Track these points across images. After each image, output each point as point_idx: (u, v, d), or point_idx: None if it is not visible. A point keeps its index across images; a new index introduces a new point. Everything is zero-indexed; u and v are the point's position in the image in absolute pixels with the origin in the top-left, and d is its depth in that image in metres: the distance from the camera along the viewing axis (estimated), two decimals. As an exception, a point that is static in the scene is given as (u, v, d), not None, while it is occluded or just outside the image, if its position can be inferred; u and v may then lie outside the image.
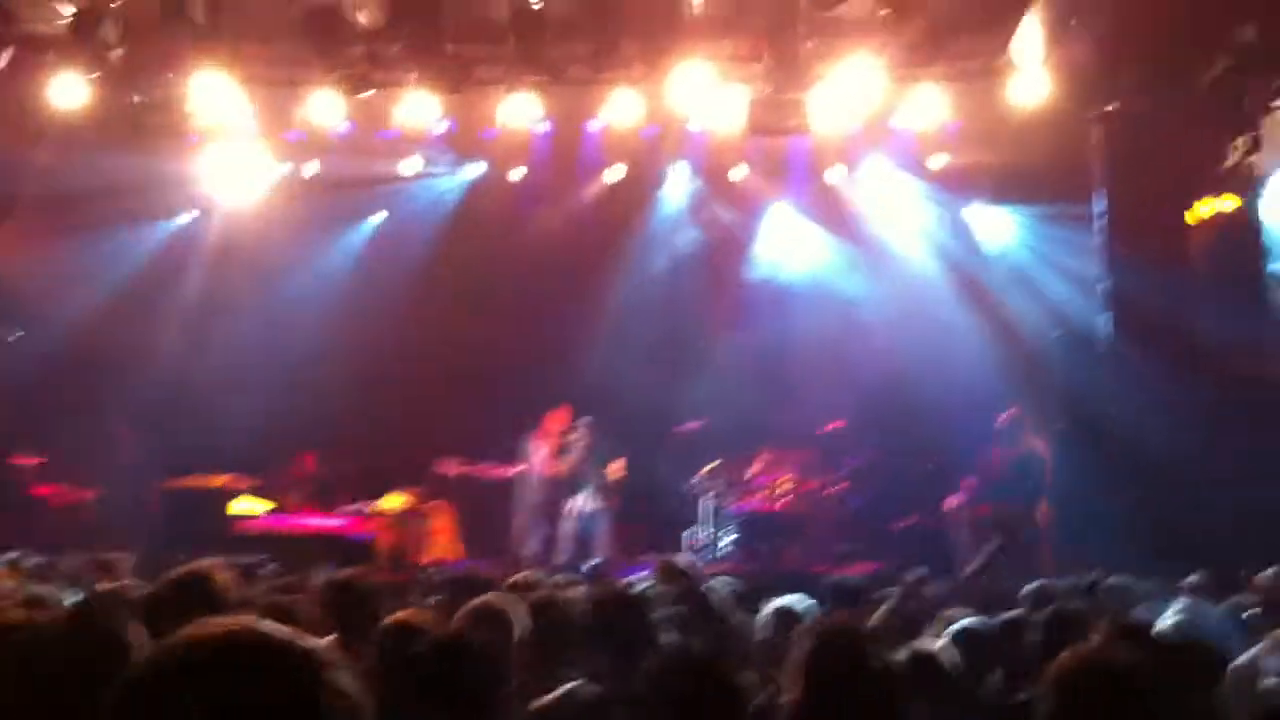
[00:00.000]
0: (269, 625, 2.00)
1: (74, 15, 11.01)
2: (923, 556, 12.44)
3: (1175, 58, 10.83)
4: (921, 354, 14.61)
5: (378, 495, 14.64)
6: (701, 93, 11.75)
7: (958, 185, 14.94)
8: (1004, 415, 13.46)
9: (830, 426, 15.01)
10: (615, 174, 15.53)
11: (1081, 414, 13.14)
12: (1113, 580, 8.23)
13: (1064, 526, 12.54)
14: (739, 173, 15.43)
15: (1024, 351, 14.22)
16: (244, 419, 14.96)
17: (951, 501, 13.73)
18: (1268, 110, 10.94)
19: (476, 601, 5.39)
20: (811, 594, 6.73)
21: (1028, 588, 7.72)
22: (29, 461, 14.01)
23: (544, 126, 13.14)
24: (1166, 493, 11.73)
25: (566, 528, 14.26)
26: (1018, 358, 14.22)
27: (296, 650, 1.96)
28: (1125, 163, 12.05)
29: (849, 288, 15.81)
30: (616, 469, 14.50)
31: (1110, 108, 11.90)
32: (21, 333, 14.58)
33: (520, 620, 5.25)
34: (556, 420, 14.70)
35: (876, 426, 14.85)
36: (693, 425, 15.50)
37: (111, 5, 10.98)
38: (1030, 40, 10.87)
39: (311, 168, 14.85)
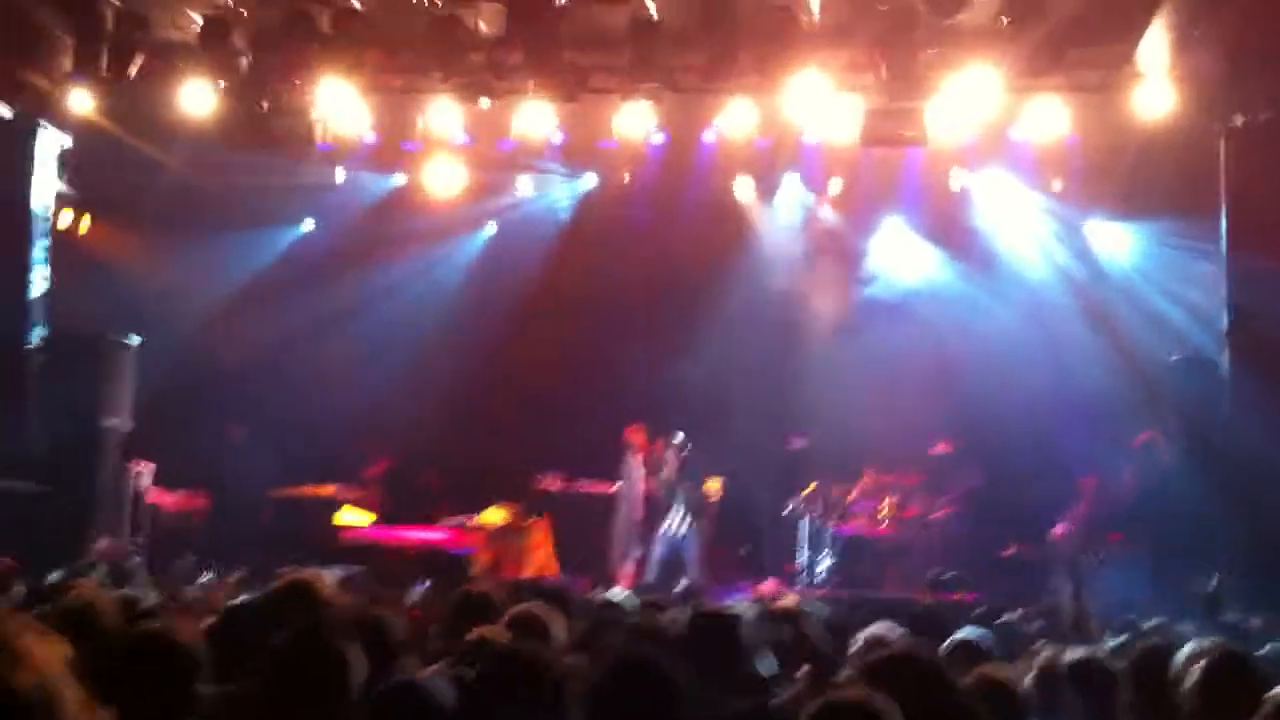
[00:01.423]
0: None
1: (204, 23, 11.31)
2: (1026, 586, 12.23)
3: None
4: (1035, 375, 14.36)
5: (479, 509, 14.74)
6: (817, 103, 11.71)
7: (1078, 199, 14.67)
8: (1140, 437, 13.15)
9: (937, 449, 14.80)
10: (729, 184, 15.47)
11: (1201, 438, 12.83)
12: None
13: (1181, 554, 12.20)
14: (840, 185, 15.28)
15: (1143, 373, 13.90)
16: (354, 430, 15.18)
17: (1059, 530, 13.45)
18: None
19: (518, 609, 5.42)
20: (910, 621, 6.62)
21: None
22: (145, 467, 14.29)
23: (659, 137, 13.19)
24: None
25: (656, 549, 14.19)
26: (1136, 380, 13.90)
27: None
28: (1251, 177, 11.75)
29: (962, 303, 15.56)
30: (714, 489, 14.43)
31: (1237, 120, 11.65)
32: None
33: (559, 630, 5.25)
34: (635, 435, 14.67)
35: (985, 449, 14.59)
36: (797, 443, 15.39)
37: (240, 14, 11.26)
38: (1154, 50, 10.69)
39: (429, 176, 15.02)
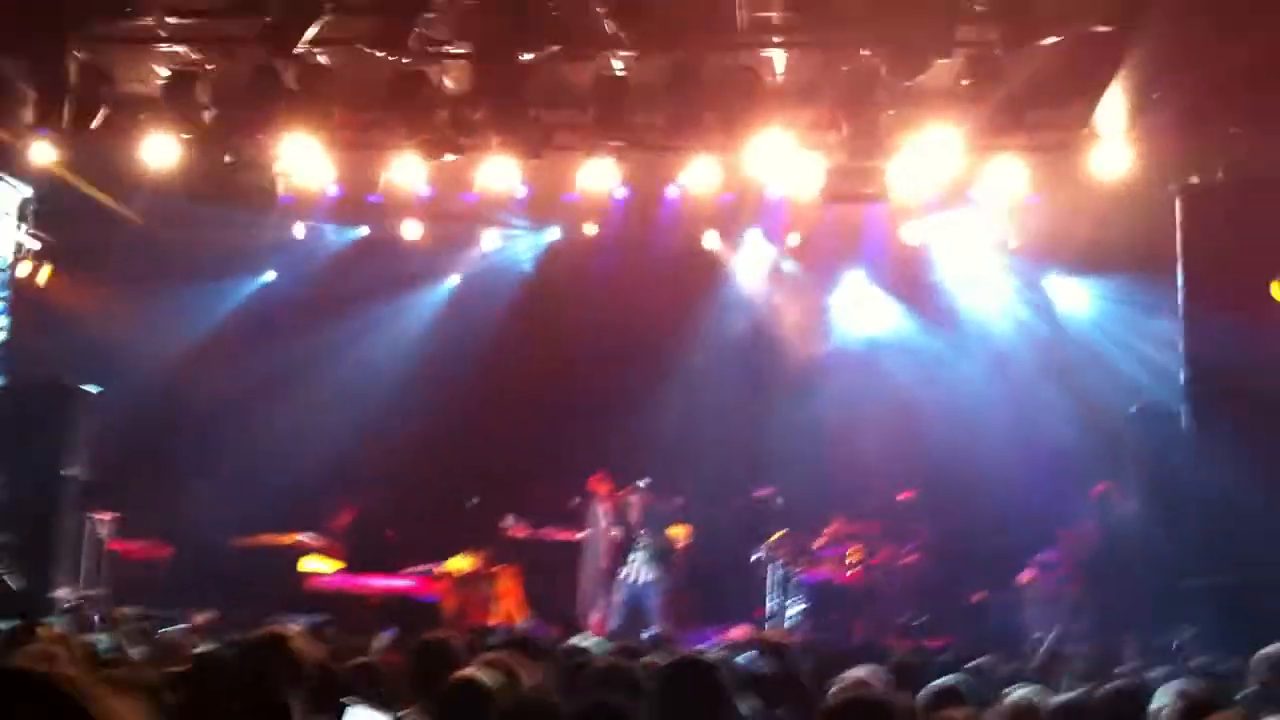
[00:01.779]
0: None
1: (168, 77, 11.30)
2: (994, 632, 12.30)
3: (1258, 130, 10.76)
4: (997, 425, 14.48)
5: (444, 557, 14.70)
6: (779, 160, 11.80)
7: (1038, 256, 14.86)
8: (1097, 489, 13.27)
9: (902, 496, 14.89)
10: (693, 237, 15.55)
11: (1161, 490, 12.95)
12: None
13: (1144, 606, 12.29)
14: (800, 239, 15.37)
15: (1102, 425, 14.04)
16: (315, 478, 15.13)
17: (1025, 576, 13.54)
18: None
19: (488, 656, 5.43)
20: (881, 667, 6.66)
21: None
22: (106, 516, 14.19)
23: (622, 191, 13.25)
24: (1249, 572, 11.46)
25: (616, 595, 14.18)
26: (1096, 431, 14.04)
27: None
28: (1207, 235, 11.92)
29: (925, 355, 15.73)
30: (681, 536, 14.44)
31: (1193, 180, 11.82)
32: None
33: (528, 677, 5.26)
34: (599, 484, 14.69)
35: (949, 497, 14.68)
36: (764, 492, 15.44)
37: (205, 68, 11.26)
38: (1112, 112, 10.84)
39: (392, 229, 15.04)
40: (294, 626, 8.78)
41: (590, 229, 15.15)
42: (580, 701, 4.77)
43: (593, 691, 5.29)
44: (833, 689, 5.85)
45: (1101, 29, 10.00)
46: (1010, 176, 12.01)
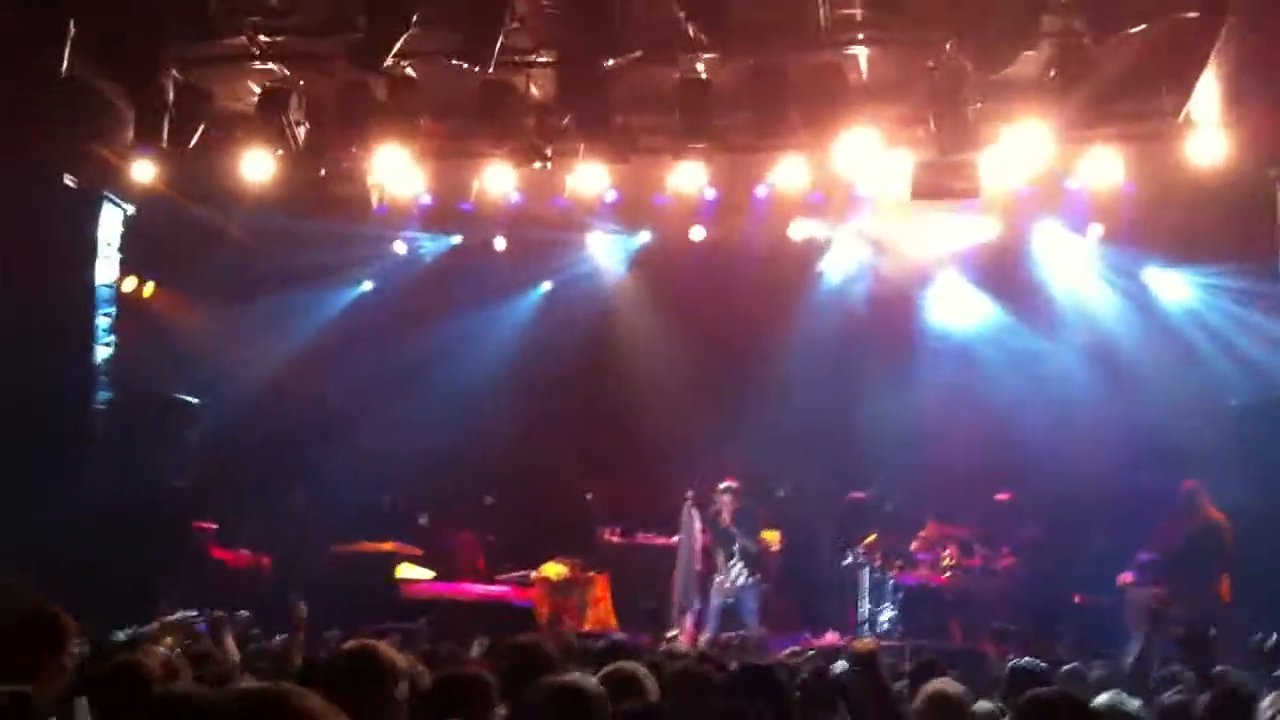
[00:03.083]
0: None
1: (261, 94, 11.54)
2: (1093, 635, 12.10)
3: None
4: (1096, 422, 14.26)
5: (539, 562, 14.81)
6: (868, 158, 11.74)
7: (1135, 246, 14.57)
8: (1182, 486, 13.02)
9: (999, 497, 14.72)
10: (780, 238, 15.45)
11: (1267, 485, 12.68)
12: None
13: (1248, 605, 12.02)
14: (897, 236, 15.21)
15: (1205, 419, 13.76)
16: (413, 485, 15.32)
17: (1125, 577, 13.31)
18: None
19: (610, 667, 5.42)
20: (974, 672, 6.58)
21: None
22: (208, 526, 14.51)
23: (711, 193, 13.26)
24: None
25: (714, 601, 14.17)
26: (1199, 425, 13.76)
27: None
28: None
29: (1021, 351, 15.50)
30: (772, 540, 14.39)
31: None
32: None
33: (653, 688, 5.25)
34: (695, 488, 14.70)
35: (1048, 498, 14.48)
36: (859, 495, 15.36)
37: (298, 85, 11.48)
38: (1207, 99, 10.62)
39: (484, 237, 15.19)
40: (388, 637, 9.00)
41: (684, 238, 15.14)
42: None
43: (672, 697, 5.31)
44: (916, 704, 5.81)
45: (1191, 15, 9.79)
46: (1104, 166, 11.84)
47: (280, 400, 15.36)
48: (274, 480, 15.03)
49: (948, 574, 14.41)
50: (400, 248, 15.68)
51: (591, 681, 5.02)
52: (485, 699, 5.15)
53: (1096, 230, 14.06)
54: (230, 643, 8.31)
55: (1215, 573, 12.46)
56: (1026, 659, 8.00)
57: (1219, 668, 8.09)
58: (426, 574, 15.29)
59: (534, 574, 14.85)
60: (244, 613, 10.72)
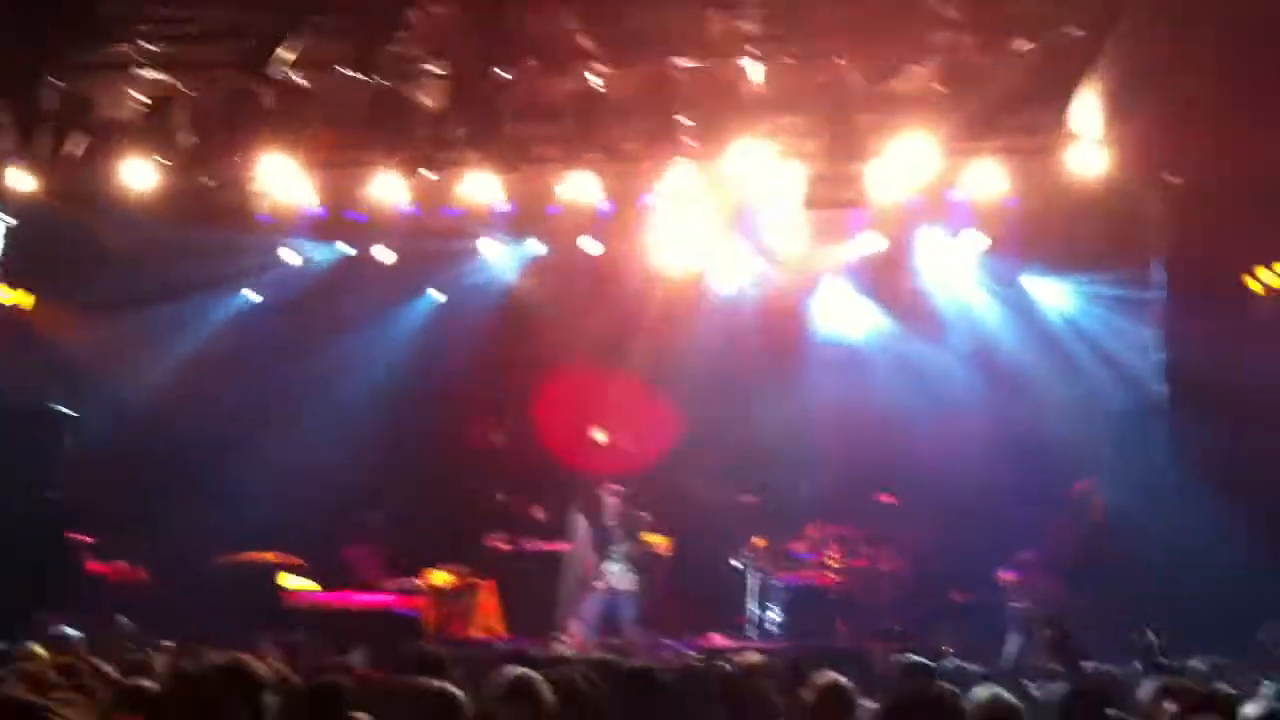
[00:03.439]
0: None
1: (147, 103, 11.31)
2: (975, 633, 12.36)
3: (1233, 128, 10.86)
4: (977, 425, 14.55)
5: (425, 570, 14.72)
6: (759, 168, 11.85)
7: (1017, 257, 14.89)
8: (1076, 487, 13.34)
9: (882, 498, 14.94)
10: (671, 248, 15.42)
11: (1141, 488, 13.10)
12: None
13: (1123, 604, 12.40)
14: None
15: (1084, 422, 14.14)
16: (294, 496, 15.12)
17: (1007, 576, 13.61)
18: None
19: (511, 674, 5.43)
20: (862, 671, 6.69)
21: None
22: (84, 539, 14.18)
23: (604, 204, 13.23)
24: (1225, 570, 11.56)
25: (596, 604, 14.20)
26: (1078, 429, 14.14)
27: None
28: (1185, 233, 12.04)
29: (902, 358, 15.74)
30: (661, 544, 14.45)
31: (1170, 179, 11.92)
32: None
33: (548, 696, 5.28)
34: (595, 493, 14.72)
35: (930, 499, 14.72)
36: (745, 498, 15.49)
37: (183, 92, 11.27)
38: (1089, 113, 10.93)
39: (373, 246, 15.00)
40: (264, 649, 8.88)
41: (573, 248, 15.01)
42: None
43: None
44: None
45: (1075, 33, 10.07)
46: (988, 178, 12.09)
47: (162, 413, 15.02)
48: (157, 492, 14.69)
49: (833, 574, 14.58)
50: (288, 256, 15.38)
51: (455, 689, 5.06)
52: (345, 707, 5.14)
53: (980, 240, 14.32)
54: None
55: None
56: (912, 656, 8.18)
57: (1090, 663, 8.34)
58: (310, 584, 15.10)
59: (421, 582, 14.74)
60: (124, 619, 10.53)
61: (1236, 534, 11.82)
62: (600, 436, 15.51)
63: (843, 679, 5.88)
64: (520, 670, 5.50)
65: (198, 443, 15.17)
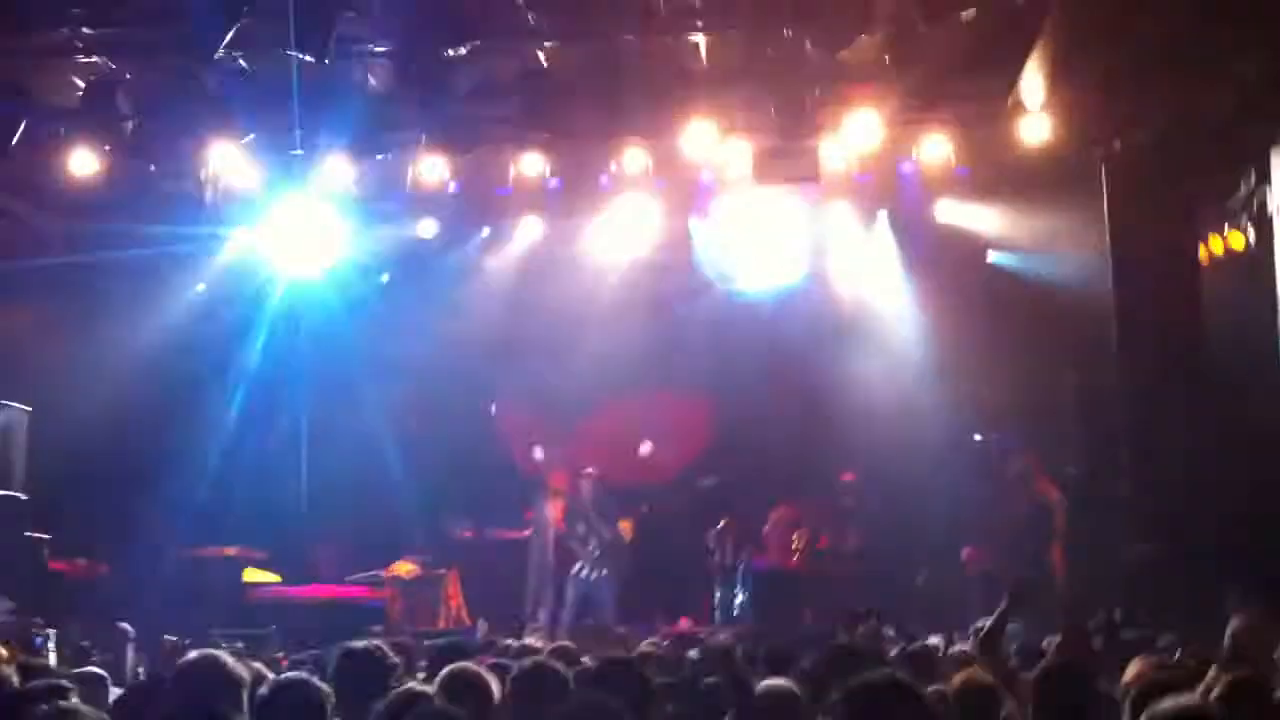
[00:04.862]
0: None
1: (86, 87, 11.17)
2: (939, 611, 12.35)
3: (1178, 92, 10.91)
4: (931, 401, 14.53)
5: (389, 561, 14.65)
6: (709, 145, 11.83)
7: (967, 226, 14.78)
8: (1014, 462, 13.38)
9: (844, 477, 14.93)
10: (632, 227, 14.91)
11: (1094, 459, 13.14)
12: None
13: (1079, 576, 12.44)
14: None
15: (1038, 395, 14.16)
16: (254, 488, 15.01)
17: (969, 552, 13.64)
18: (1274, 142, 10.99)
19: (453, 668, 5.35)
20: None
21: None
22: (43, 536, 14.03)
23: (554, 182, 13.16)
24: (1181, 539, 11.57)
25: (570, 590, 14.17)
26: (1032, 403, 14.15)
27: None
28: (1131, 199, 12.08)
29: (858, 335, 15.61)
30: (625, 529, 14.44)
31: (1115, 144, 11.97)
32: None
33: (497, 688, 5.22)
34: (559, 480, 14.67)
35: (892, 476, 14.69)
36: (707, 480, 15.47)
37: (124, 76, 11.14)
38: (1034, 80, 10.97)
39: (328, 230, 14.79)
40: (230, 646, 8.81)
41: (528, 226, 14.96)
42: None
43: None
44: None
45: (1018, 1, 10.12)
46: (937, 148, 12.12)
47: (117, 407, 14.82)
48: (113, 489, 14.53)
49: (798, 557, 14.59)
50: (236, 244, 15.11)
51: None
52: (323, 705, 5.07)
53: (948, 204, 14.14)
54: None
55: (1045, 547, 12.77)
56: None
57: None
58: (273, 577, 15.01)
59: (385, 573, 14.67)
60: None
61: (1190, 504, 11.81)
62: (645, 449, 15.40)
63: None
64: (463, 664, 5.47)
65: (154, 436, 15.00)
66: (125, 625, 10.63)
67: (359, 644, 5.52)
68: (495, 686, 5.21)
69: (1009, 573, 12.75)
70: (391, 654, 5.52)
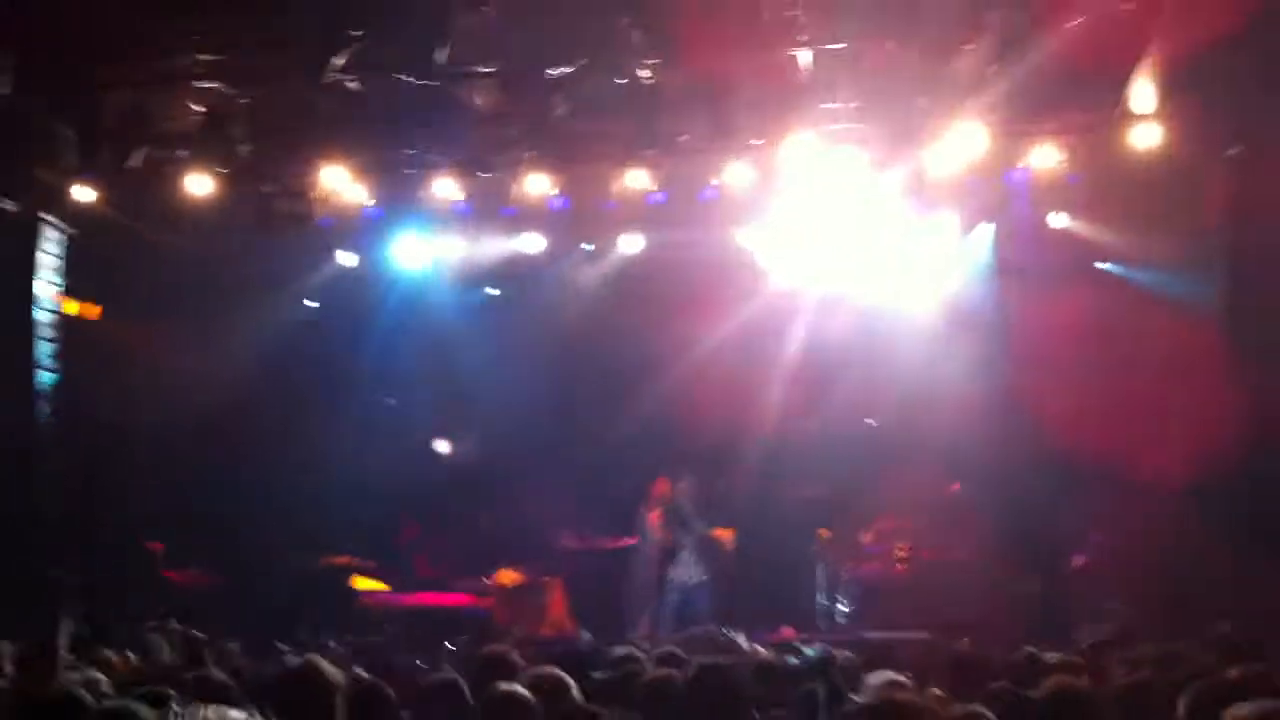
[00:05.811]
0: None
1: (204, 114, 11.44)
2: (1044, 621, 12.21)
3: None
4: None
5: (496, 569, 14.81)
6: (815, 156, 11.79)
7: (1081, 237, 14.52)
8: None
9: (950, 489, 14.82)
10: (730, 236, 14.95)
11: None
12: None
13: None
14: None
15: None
16: (367, 500, 15.25)
17: (1078, 560, 13.46)
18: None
19: (537, 671, 5.48)
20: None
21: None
22: (158, 546, 14.40)
23: (659, 197, 13.16)
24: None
25: (668, 600, 14.19)
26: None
27: None
28: (1247, 207, 11.85)
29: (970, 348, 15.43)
30: (726, 538, 14.44)
31: (1230, 152, 11.75)
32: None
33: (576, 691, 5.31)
34: (661, 488, 14.71)
35: (997, 487, 14.55)
36: (812, 489, 15.43)
37: (239, 102, 11.38)
38: (1145, 89, 10.79)
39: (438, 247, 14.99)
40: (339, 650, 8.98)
41: (632, 243, 14.96)
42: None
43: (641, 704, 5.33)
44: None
45: (1126, 6, 9.96)
46: (1047, 158, 11.96)
47: (233, 418, 15.16)
48: (228, 499, 14.87)
49: (902, 566, 14.50)
50: (345, 260, 15.39)
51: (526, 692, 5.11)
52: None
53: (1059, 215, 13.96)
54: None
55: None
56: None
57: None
58: (381, 586, 15.26)
59: (489, 581, 14.83)
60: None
61: None
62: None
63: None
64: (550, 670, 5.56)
65: (266, 448, 15.31)
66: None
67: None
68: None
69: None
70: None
